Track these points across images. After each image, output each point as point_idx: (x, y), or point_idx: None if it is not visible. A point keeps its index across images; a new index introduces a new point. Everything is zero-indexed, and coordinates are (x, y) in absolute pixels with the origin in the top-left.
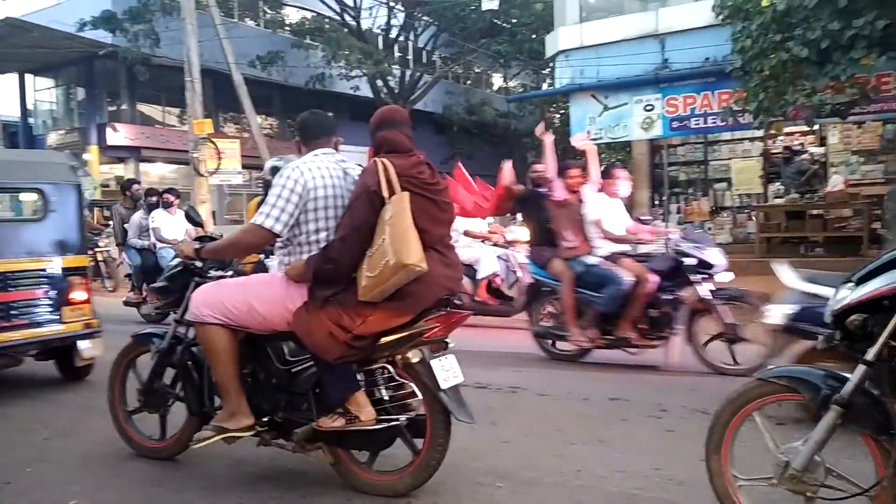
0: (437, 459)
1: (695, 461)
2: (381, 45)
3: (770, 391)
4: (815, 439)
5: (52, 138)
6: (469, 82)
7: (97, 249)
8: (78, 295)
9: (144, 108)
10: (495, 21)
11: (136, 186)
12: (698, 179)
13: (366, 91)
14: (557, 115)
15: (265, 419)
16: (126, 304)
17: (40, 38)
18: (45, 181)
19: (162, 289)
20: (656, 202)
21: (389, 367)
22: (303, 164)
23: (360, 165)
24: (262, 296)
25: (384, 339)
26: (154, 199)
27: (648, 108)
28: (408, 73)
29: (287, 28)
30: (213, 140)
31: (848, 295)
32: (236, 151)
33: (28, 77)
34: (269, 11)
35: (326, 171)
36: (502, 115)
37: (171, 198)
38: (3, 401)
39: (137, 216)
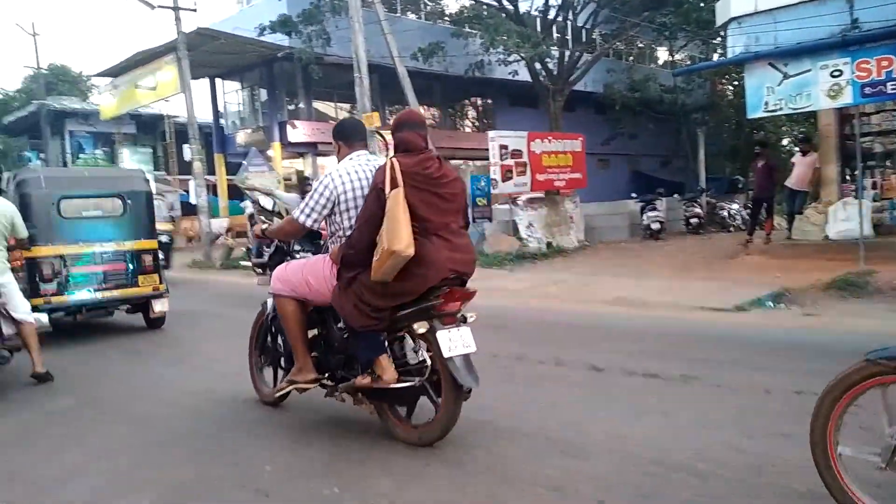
0: (451, 414)
1: None
2: (539, 28)
3: (880, 371)
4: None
5: (241, 137)
6: (631, 58)
7: None
8: (148, 267)
9: (319, 105)
10: None
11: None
12: None
13: (524, 75)
14: (730, 87)
15: (328, 374)
16: None
17: (226, 45)
18: (125, 190)
19: (262, 265)
20: (847, 177)
21: (408, 336)
22: (335, 172)
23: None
24: (315, 274)
25: (401, 312)
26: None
27: (836, 73)
28: (566, 53)
29: (447, 18)
30: (381, 132)
31: None
32: None
33: (218, 81)
34: (429, 3)
35: (356, 174)
36: (668, 91)
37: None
38: (197, 373)
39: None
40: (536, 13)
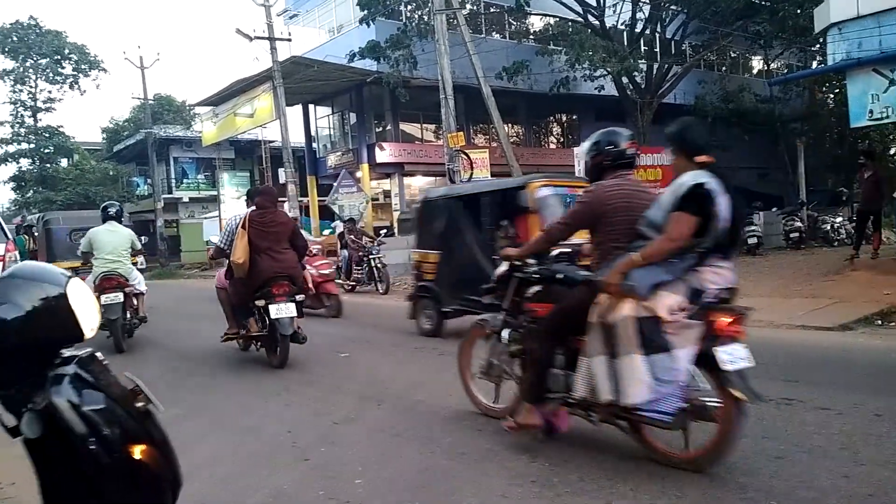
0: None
1: None
2: (626, 42)
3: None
4: (494, 351)
5: (331, 160)
6: (724, 68)
7: (370, 257)
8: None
9: (405, 126)
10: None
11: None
12: None
13: (611, 90)
14: (830, 96)
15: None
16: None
17: (318, 72)
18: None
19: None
20: None
21: (259, 307)
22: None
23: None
24: (221, 278)
25: (256, 295)
26: None
27: None
28: (655, 66)
29: (531, 36)
30: (465, 151)
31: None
32: (486, 161)
33: (310, 107)
34: (514, 22)
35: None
36: (763, 101)
37: None
38: (300, 388)
39: None
40: (623, 27)
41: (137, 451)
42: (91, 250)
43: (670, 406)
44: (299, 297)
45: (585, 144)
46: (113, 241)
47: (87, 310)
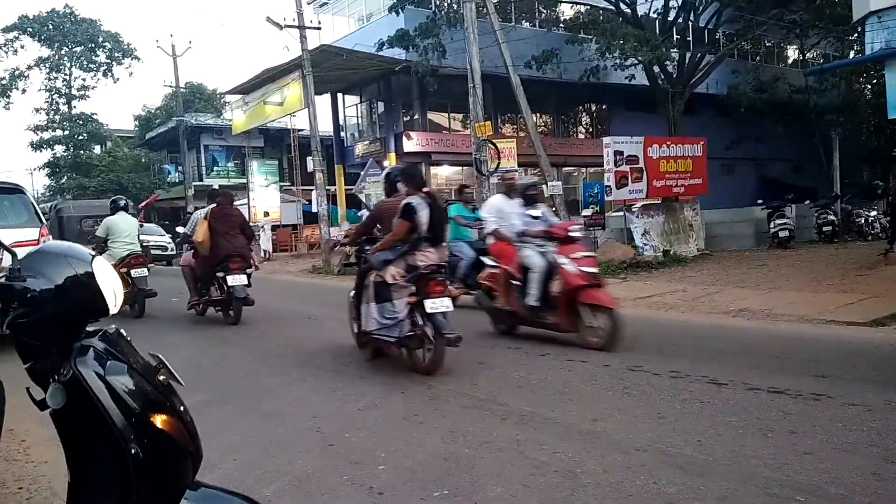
0: (238, 313)
1: None
2: (657, 30)
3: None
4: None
5: (359, 149)
6: (758, 58)
7: None
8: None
9: (433, 115)
10: None
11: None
12: None
13: (641, 79)
14: (868, 86)
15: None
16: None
17: (347, 61)
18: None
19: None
20: None
21: (219, 279)
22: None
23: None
24: (188, 257)
25: (216, 269)
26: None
27: None
28: (687, 55)
29: (562, 25)
30: (493, 141)
31: None
32: (513, 150)
33: (339, 96)
34: (543, 11)
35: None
36: (798, 91)
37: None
38: (324, 375)
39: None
40: (655, 15)
41: (159, 420)
42: (107, 236)
43: (394, 334)
44: (249, 270)
45: (382, 174)
46: (127, 227)
47: (111, 286)
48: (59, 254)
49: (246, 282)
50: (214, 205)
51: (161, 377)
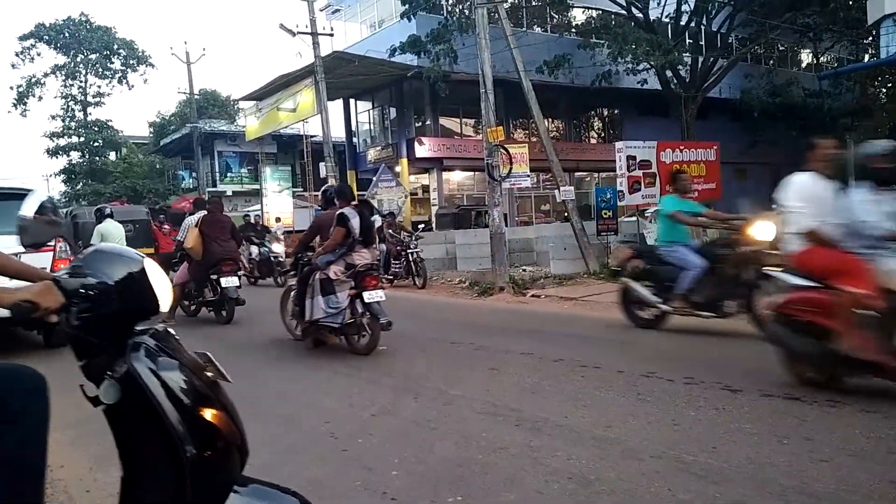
0: (231, 312)
1: None
2: (670, 35)
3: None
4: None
5: (371, 154)
6: (771, 62)
7: (409, 251)
8: None
9: (445, 121)
10: None
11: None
12: None
13: (654, 84)
14: (883, 90)
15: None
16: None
17: (359, 67)
18: (135, 219)
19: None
20: None
21: (213, 280)
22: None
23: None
24: (184, 267)
25: (210, 272)
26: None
27: None
28: (700, 59)
29: (573, 30)
30: (505, 146)
31: None
32: (525, 155)
33: (351, 102)
34: (555, 16)
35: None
36: (812, 95)
37: None
38: (337, 380)
39: None
40: (667, 20)
41: (209, 415)
42: (101, 241)
43: (337, 321)
44: (240, 272)
45: (322, 190)
46: (118, 233)
47: (161, 286)
48: (115, 253)
49: (238, 283)
50: (205, 212)
51: (209, 373)
